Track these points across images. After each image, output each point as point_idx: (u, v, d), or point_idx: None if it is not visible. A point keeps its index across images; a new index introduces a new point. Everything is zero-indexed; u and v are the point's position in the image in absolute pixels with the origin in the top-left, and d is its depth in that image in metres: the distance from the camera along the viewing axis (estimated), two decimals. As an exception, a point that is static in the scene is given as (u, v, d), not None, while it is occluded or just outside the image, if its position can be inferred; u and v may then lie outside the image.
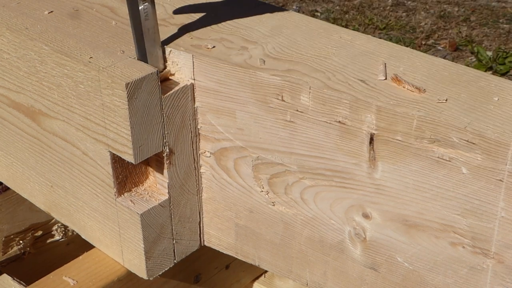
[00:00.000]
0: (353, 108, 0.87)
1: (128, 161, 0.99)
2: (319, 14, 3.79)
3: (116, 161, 1.01)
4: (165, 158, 1.00)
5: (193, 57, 0.98)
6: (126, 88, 0.91)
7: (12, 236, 1.49)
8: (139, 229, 1.03)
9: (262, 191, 1.01)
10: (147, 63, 0.97)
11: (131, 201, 1.04)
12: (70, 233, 1.56)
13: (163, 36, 1.04)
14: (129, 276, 1.12)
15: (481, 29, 3.58)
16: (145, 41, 0.96)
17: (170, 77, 1.00)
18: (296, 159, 0.95)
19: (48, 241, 1.54)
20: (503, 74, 3.15)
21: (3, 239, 1.48)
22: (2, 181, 1.33)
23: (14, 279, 1.14)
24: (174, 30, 1.06)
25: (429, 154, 0.83)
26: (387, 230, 0.91)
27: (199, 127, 1.03)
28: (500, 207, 0.80)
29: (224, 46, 1.00)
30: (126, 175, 1.04)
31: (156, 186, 1.05)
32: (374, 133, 0.86)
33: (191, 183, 1.06)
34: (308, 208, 0.97)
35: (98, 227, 1.12)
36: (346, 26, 3.56)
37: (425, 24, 3.65)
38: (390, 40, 3.39)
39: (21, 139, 1.18)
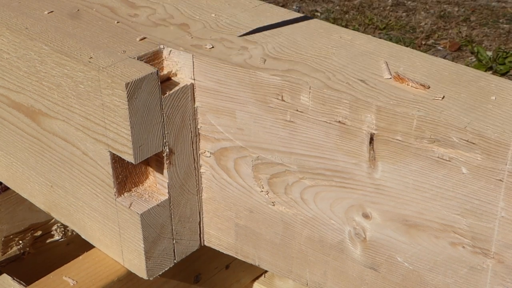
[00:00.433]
0: (353, 108, 0.87)
1: (128, 161, 0.99)
2: (319, 14, 3.79)
3: (116, 161, 1.01)
4: (165, 158, 1.00)
5: (193, 57, 0.98)
6: (126, 88, 0.91)
7: (11, 236, 1.49)
8: (139, 229, 1.03)
9: (262, 191, 1.01)
10: None
11: (131, 201, 1.04)
12: (69, 233, 1.56)
13: (163, 36, 1.04)
14: (129, 276, 1.12)
15: (481, 29, 3.58)
16: None
17: (171, 77, 1.00)
18: (296, 159, 0.95)
19: (48, 241, 1.54)
20: (503, 74, 3.15)
21: (3, 239, 1.48)
22: (2, 181, 1.33)
23: (14, 279, 1.14)
24: (175, 30, 1.06)
25: (429, 154, 0.83)
26: (387, 230, 0.91)
27: (199, 127, 1.03)
28: (500, 207, 0.80)
29: (224, 46, 1.00)
30: (126, 175, 1.04)
31: (156, 186, 1.05)
32: (374, 133, 0.86)
33: (191, 183, 1.06)
34: (308, 208, 0.97)
35: (98, 227, 1.12)
36: (346, 26, 3.56)
37: (425, 24, 3.65)
38: (390, 40, 3.39)
39: (21, 139, 1.18)
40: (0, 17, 1.11)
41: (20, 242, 1.50)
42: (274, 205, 1.01)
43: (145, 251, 1.04)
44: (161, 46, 1.01)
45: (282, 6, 3.71)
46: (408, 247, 0.90)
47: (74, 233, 1.53)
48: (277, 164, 0.98)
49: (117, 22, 1.09)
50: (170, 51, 1.00)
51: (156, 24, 1.09)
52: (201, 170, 1.07)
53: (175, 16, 1.11)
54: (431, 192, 0.85)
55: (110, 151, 1.00)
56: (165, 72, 1.00)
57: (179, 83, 0.99)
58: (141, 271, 1.08)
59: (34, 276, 1.15)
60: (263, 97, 0.94)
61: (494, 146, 0.78)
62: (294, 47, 0.99)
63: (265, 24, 1.06)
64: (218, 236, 1.12)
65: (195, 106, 1.01)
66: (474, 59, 3.28)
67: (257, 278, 1.51)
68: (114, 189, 1.03)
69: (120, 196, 1.04)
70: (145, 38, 1.03)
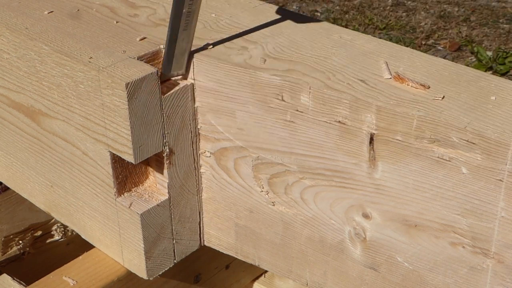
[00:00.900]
0: (353, 108, 0.87)
1: (128, 161, 0.99)
2: (319, 14, 3.79)
3: (116, 161, 1.01)
4: (165, 158, 1.00)
5: (193, 57, 0.98)
6: (126, 88, 0.91)
7: (11, 236, 1.49)
8: (139, 229, 1.03)
9: (262, 191, 1.01)
10: (171, 68, 0.97)
11: (131, 201, 1.04)
12: (69, 233, 1.56)
13: (163, 36, 1.04)
14: (129, 276, 1.12)
15: (481, 29, 3.58)
16: (176, 47, 0.95)
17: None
18: (296, 159, 0.95)
19: (48, 241, 1.54)
20: (503, 74, 3.15)
21: (3, 239, 1.48)
22: (2, 181, 1.33)
23: (14, 279, 1.14)
24: (174, 30, 1.06)
25: (429, 154, 0.83)
26: (387, 230, 0.91)
27: (199, 127, 1.03)
28: (500, 207, 0.80)
29: (224, 46, 1.00)
30: (126, 175, 1.04)
31: (156, 186, 1.05)
32: (374, 133, 0.86)
33: (191, 183, 1.06)
34: (308, 208, 0.97)
35: (98, 227, 1.12)
36: (346, 26, 3.55)
37: (425, 24, 3.65)
38: (390, 40, 3.39)
39: (21, 139, 1.18)
40: (0, 17, 1.11)
41: (20, 242, 1.50)
42: (274, 205, 1.01)
43: (145, 251, 1.04)
44: (161, 46, 1.01)
45: (282, 6, 3.71)
46: (408, 247, 0.90)
47: (74, 233, 1.53)
48: (277, 164, 0.98)
49: (117, 22, 1.09)
50: (170, 51, 1.00)
51: (156, 24, 1.09)
52: (201, 170, 1.07)
53: (175, 16, 1.11)
54: (431, 192, 0.85)
55: (110, 151, 1.00)
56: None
57: (179, 83, 0.99)
58: (141, 271, 1.08)
59: (34, 276, 1.15)
60: (263, 97, 0.94)
61: (494, 146, 0.78)
62: (294, 47, 0.99)
63: (265, 24, 1.05)
64: (218, 236, 1.12)
65: (195, 106, 1.01)
66: (474, 59, 3.28)
67: (257, 278, 1.51)
68: (114, 189, 1.03)
69: (120, 196, 1.04)
70: (145, 38, 1.03)
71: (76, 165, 1.09)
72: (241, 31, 1.04)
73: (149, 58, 0.99)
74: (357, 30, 3.48)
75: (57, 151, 1.11)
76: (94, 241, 1.16)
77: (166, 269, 1.10)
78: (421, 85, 0.87)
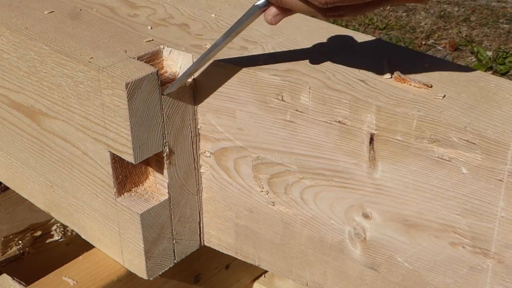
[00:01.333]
0: (353, 108, 0.87)
1: (128, 161, 0.99)
2: (319, 14, 3.79)
3: (116, 161, 1.01)
4: (165, 158, 1.00)
5: (193, 57, 0.98)
6: (126, 88, 0.91)
7: (11, 236, 1.49)
8: (139, 229, 1.03)
9: (262, 191, 1.01)
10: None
11: (131, 201, 1.04)
12: (69, 233, 1.56)
13: (163, 35, 1.04)
14: (129, 276, 1.12)
15: (481, 29, 3.58)
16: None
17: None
18: (296, 159, 0.95)
19: (48, 241, 1.54)
20: (503, 74, 3.15)
21: (3, 239, 1.47)
22: (2, 181, 1.33)
23: (14, 279, 1.14)
24: (175, 30, 1.06)
25: (429, 154, 0.83)
26: (387, 230, 0.91)
27: (199, 127, 1.03)
28: (500, 207, 0.80)
29: (224, 46, 1.00)
30: (126, 175, 1.04)
31: (156, 186, 1.05)
32: (374, 133, 0.86)
33: (191, 183, 1.06)
34: (308, 208, 0.97)
35: (98, 227, 1.12)
36: (346, 26, 3.55)
37: (425, 24, 3.65)
38: (390, 40, 3.39)
39: (21, 139, 1.18)
40: (0, 17, 1.11)
41: (20, 242, 1.50)
42: (274, 205, 1.01)
43: (145, 251, 1.04)
44: (161, 46, 1.01)
45: (282, 6, 3.70)
46: (408, 247, 0.90)
47: (74, 233, 1.53)
48: (277, 164, 0.98)
49: (117, 22, 1.09)
50: (170, 51, 1.00)
51: (156, 24, 1.09)
52: (201, 170, 1.07)
53: (175, 16, 1.11)
54: (431, 192, 0.85)
55: (110, 151, 1.00)
56: (164, 71, 1.00)
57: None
58: (141, 271, 1.08)
59: (34, 276, 1.15)
60: (263, 97, 0.94)
61: (494, 146, 0.78)
62: (294, 47, 0.99)
63: (265, 24, 1.05)
64: (218, 236, 1.12)
65: (195, 106, 1.01)
66: (474, 59, 3.28)
67: (257, 278, 1.51)
68: (114, 189, 1.03)
69: (120, 196, 1.04)
70: (152, 40, 1.03)
71: (76, 165, 1.09)
72: (241, 31, 1.04)
73: (149, 58, 0.99)
74: (357, 30, 3.48)
75: (57, 151, 1.11)
76: (94, 241, 1.16)
77: (166, 269, 1.10)
78: (424, 84, 0.87)
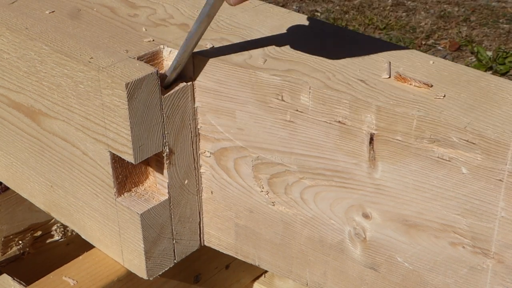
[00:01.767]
0: (353, 108, 0.87)
1: (128, 161, 0.99)
2: (319, 14, 3.79)
3: (116, 161, 1.01)
4: (165, 158, 1.00)
5: (193, 57, 0.98)
6: (126, 88, 0.91)
7: (11, 236, 1.49)
8: (139, 229, 1.03)
9: (262, 191, 1.01)
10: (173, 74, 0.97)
11: (131, 201, 1.04)
12: (69, 233, 1.56)
13: (163, 36, 1.04)
14: (129, 276, 1.12)
15: (481, 29, 3.58)
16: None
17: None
18: (296, 159, 0.95)
19: (48, 241, 1.54)
20: (503, 74, 3.15)
21: (3, 239, 1.48)
22: (2, 181, 1.33)
23: (14, 279, 1.14)
24: (175, 30, 1.06)
25: (429, 154, 0.83)
26: (387, 230, 0.91)
27: (199, 127, 1.03)
28: (500, 207, 0.80)
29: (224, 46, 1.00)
30: (126, 175, 1.04)
31: (156, 186, 1.05)
32: (374, 133, 0.86)
33: (191, 183, 1.06)
34: (308, 208, 0.97)
35: (98, 227, 1.12)
36: (346, 26, 3.56)
37: (425, 24, 3.65)
38: (390, 40, 3.39)
39: (21, 139, 1.18)
40: (0, 17, 1.11)
41: (20, 242, 1.50)
42: (274, 205, 1.01)
43: (145, 251, 1.04)
44: (161, 46, 1.01)
45: (282, 6, 3.71)
46: (408, 247, 0.90)
47: (74, 233, 1.53)
48: (277, 164, 0.98)
49: (117, 22, 1.09)
50: (170, 51, 1.00)
51: (156, 24, 1.09)
52: (201, 170, 1.07)
53: (175, 16, 1.11)
54: (431, 192, 0.85)
55: (110, 151, 1.00)
56: (164, 71, 1.00)
57: (179, 83, 0.99)
58: (141, 271, 1.08)
59: (34, 276, 1.15)
60: (263, 97, 0.94)
61: (494, 146, 0.78)
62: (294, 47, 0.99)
63: (265, 24, 1.05)
64: (218, 236, 1.12)
65: (195, 106, 1.01)
66: (474, 59, 3.28)
67: (257, 278, 1.51)
68: (114, 189, 1.03)
69: (120, 196, 1.04)
70: (153, 40, 1.03)
71: (76, 165, 1.09)
72: (241, 31, 1.04)
73: (149, 58, 0.99)
74: (357, 30, 3.49)
75: (57, 151, 1.11)
76: (94, 241, 1.16)
77: (166, 269, 1.10)
78: (425, 83, 0.87)
